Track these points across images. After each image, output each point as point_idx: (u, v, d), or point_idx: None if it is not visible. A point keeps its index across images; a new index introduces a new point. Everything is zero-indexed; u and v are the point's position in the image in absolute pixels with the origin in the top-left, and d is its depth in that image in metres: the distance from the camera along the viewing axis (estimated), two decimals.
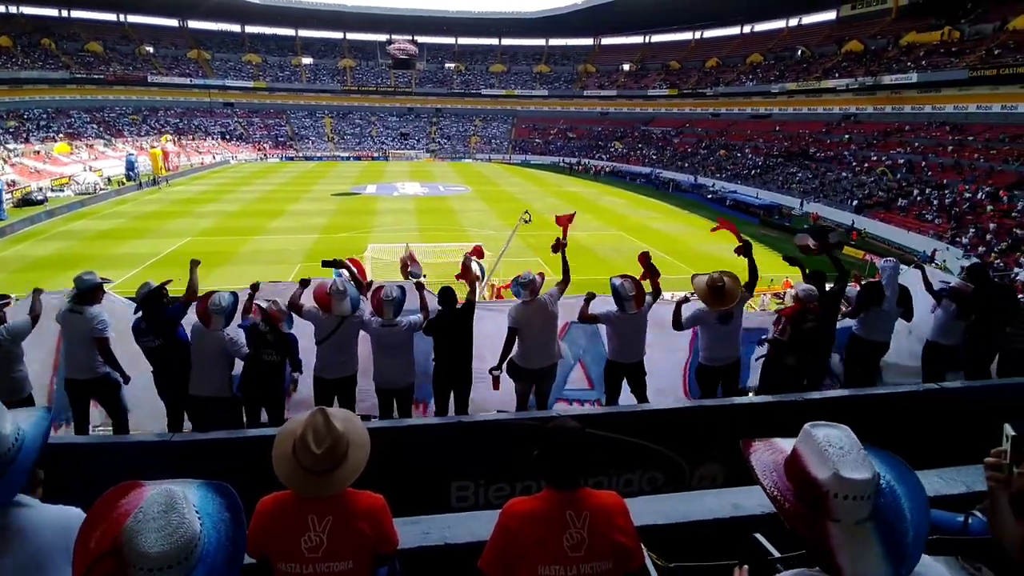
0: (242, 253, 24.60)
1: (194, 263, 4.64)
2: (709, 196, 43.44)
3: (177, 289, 4.58)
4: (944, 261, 24.03)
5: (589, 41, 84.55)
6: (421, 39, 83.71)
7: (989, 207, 27.90)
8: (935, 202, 30.76)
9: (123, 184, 44.03)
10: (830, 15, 59.36)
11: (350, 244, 24.21)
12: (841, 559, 1.20)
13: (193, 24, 77.48)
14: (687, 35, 75.95)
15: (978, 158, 33.36)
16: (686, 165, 54.09)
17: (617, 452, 4.07)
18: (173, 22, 76.51)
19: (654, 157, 59.63)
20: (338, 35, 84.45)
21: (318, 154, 69.81)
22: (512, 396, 4.91)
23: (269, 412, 4.60)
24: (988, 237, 25.25)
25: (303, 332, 4.67)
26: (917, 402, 4.50)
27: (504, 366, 4.70)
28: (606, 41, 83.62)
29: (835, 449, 1.25)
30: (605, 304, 4.88)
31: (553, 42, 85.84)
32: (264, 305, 4.44)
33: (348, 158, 68.09)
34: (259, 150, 68.18)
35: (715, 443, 4.16)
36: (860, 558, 1.20)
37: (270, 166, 61.14)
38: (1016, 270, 18.26)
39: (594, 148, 68.91)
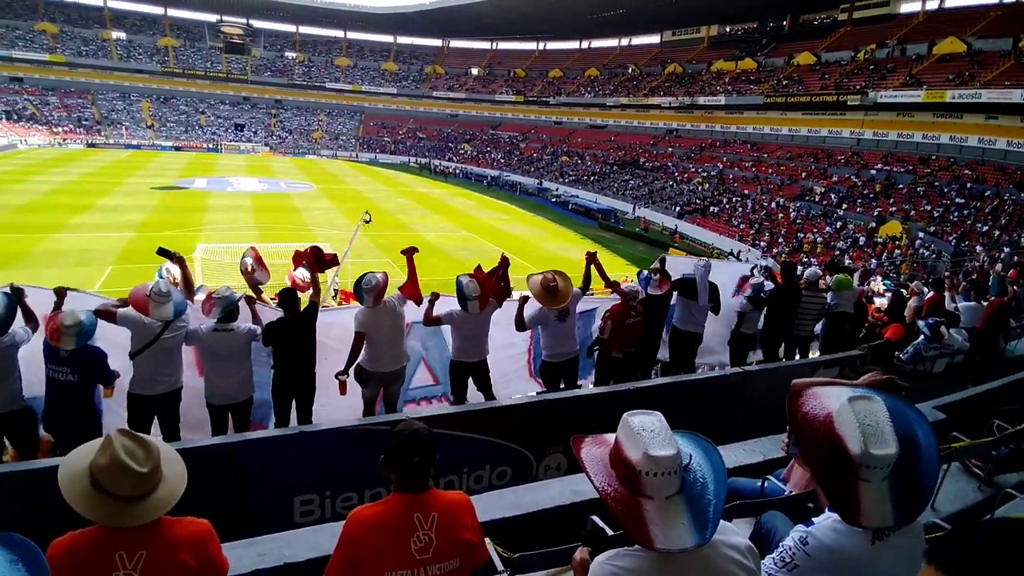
0: (35, 253, 20.82)
1: None
2: (553, 200, 45.75)
3: None
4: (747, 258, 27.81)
5: (438, 42, 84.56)
6: (257, 23, 77.64)
7: (780, 215, 32.79)
8: (739, 210, 35.41)
9: None
10: (655, 38, 65.75)
11: (176, 244, 21.44)
12: (654, 532, 1.34)
13: None
14: (531, 45, 79.12)
15: (771, 173, 39.02)
16: (532, 169, 56.44)
17: (467, 450, 4.13)
18: None
19: (502, 160, 61.40)
20: (158, 10, 75.08)
21: (134, 142, 61.73)
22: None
23: (76, 440, 3.97)
24: (780, 240, 29.67)
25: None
26: (728, 384, 5.17)
27: (351, 371, 4.53)
28: (454, 44, 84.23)
29: (647, 433, 1.39)
30: (449, 304, 4.89)
31: (401, 40, 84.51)
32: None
33: (171, 148, 61.22)
34: (54, 134, 58.52)
35: (559, 434, 4.39)
36: (671, 529, 1.34)
37: (70, 153, 52.59)
38: (800, 268, 21.63)
39: (444, 149, 69.09)
